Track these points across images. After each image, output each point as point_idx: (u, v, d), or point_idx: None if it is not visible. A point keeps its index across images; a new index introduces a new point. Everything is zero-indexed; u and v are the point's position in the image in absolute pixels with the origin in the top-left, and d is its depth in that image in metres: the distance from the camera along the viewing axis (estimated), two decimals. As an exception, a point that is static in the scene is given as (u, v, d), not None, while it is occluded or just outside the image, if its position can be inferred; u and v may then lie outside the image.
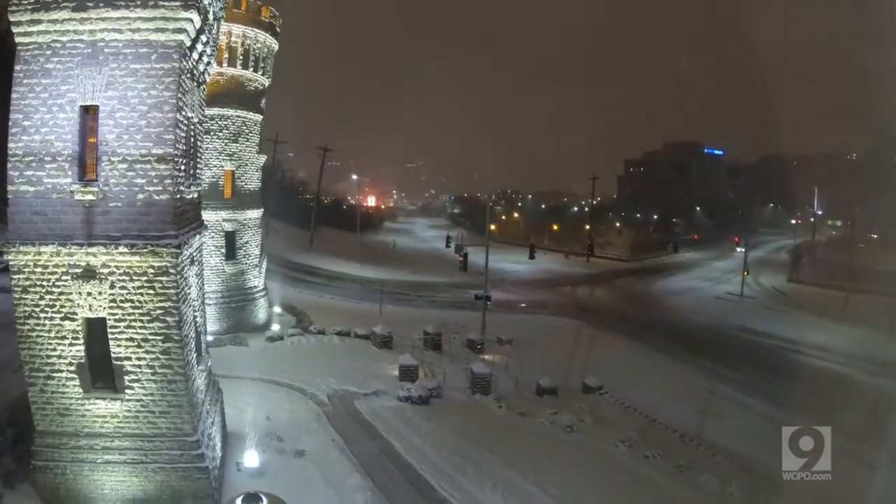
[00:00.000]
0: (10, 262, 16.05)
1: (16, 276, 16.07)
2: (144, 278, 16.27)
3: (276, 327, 39.94)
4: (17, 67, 15.78)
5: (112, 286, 16.20)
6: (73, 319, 16.25)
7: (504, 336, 44.88)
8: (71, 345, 16.31)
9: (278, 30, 38.72)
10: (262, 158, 40.72)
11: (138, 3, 15.61)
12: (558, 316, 58.58)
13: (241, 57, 36.21)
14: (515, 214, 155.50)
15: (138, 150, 16.06)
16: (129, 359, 16.56)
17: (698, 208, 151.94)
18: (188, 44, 16.94)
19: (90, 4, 15.55)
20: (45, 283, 16.08)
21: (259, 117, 39.40)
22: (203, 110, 21.99)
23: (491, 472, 22.63)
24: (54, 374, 16.43)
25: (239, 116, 37.60)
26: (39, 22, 15.58)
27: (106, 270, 16.11)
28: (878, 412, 28.75)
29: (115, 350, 16.50)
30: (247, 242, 39.15)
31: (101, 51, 15.88)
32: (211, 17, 19.12)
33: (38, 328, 16.22)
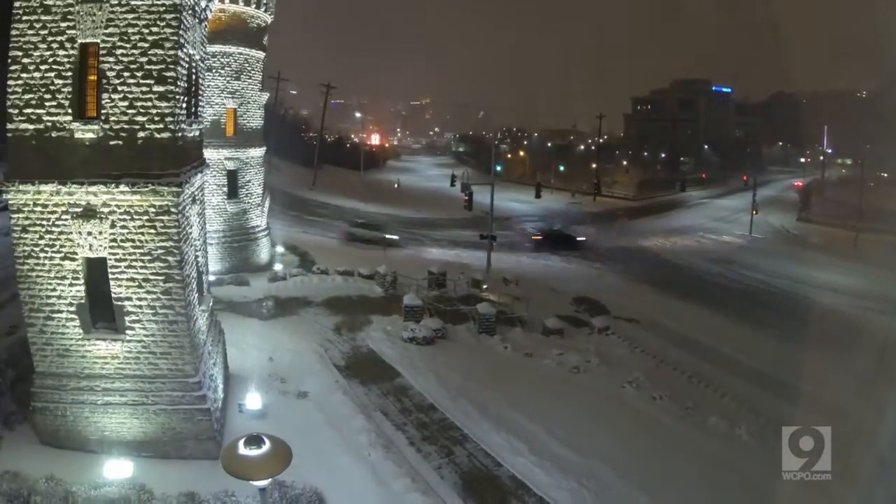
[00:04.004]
0: (10, 201, 15.81)
1: (15, 216, 15.85)
2: (145, 217, 16.02)
3: (278, 267, 39.64)
4: (17, 4, 15.28)
5: (113, 225, 15.96)
6: (74, 259, 16.05)
7: (510, 276, 44.70)
8: (71, 285, 16.16)
9: (280, -36, 37.55)
10: (265, 96, 39.97)
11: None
12: (564, 256, 58.33)
13: (242, -8, 35.11)
14: (521, 153, 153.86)
15: (139, 88, 15.71)
16: (129, 299, 16.41)
17: (706, 146, 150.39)
18: (189, -21, 16.33)
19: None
20: (44, 222, 15.84)
21: (261, 54, 38.41)
22: (205, 47, 21.38)
23: (496, 412, 22.61)
24: (54, 315, 16.30)
25: (241, 54, 36.62)
26: (38, -42, 14.99)
27: (106, 209, 15.87)
28: (887, 351, 28.64)
29: (116, 290, 16.34)
30: (249, 181, 38.62)
31: (101, -13, 15.34)
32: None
33: (38, 268, 16.04)
